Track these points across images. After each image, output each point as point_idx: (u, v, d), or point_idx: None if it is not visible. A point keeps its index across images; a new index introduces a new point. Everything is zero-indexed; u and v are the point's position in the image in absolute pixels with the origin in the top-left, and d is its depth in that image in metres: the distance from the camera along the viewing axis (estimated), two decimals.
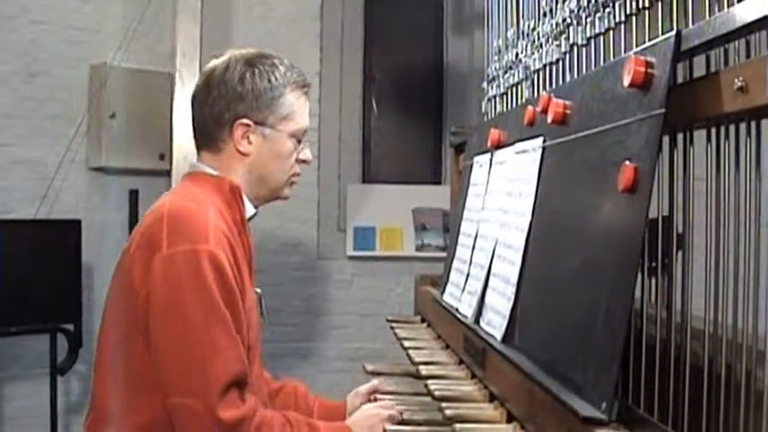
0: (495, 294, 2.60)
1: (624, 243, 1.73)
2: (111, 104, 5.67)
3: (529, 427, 2.07)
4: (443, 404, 2.41)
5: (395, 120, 6.98)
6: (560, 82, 2.62)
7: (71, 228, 5.34)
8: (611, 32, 2.20)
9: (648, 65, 1.75)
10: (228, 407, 2.22)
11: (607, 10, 2.20)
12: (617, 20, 2.14)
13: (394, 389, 2.90)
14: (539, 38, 2.83)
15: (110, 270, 2.49)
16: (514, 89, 3.16)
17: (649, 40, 1.90)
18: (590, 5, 2.32)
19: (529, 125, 2.58)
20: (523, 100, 3.03)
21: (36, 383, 5.39)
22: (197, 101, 2.58)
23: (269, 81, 2.52)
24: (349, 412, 2.83)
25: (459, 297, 3.05)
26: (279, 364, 6.14)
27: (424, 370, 2.85)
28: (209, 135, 2.56)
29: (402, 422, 2.56)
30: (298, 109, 2.59)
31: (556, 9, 2.65)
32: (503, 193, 2.76)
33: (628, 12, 2.07)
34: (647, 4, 1.98)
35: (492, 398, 2.44)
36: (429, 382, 2.67)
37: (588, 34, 2.35)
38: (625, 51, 2.05)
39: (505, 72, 3.26)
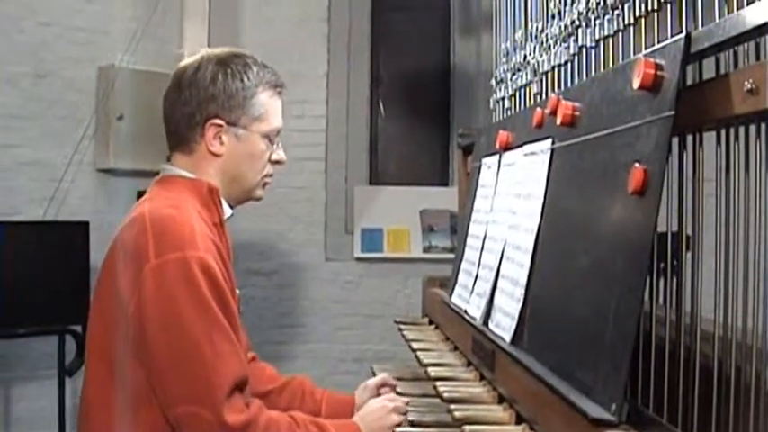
0: (504, 296, 2.60)
1: (634, 245, 1.73)
2: (118, 106, 5.68)
3: (538, 429, 2.07)
4: (452, 406, 2.42)
5: (402, 121, 6.99)
6: (569, 84, 2.62)
7: (78, 229, 5.34)
8: (620, 34, 2.20)
9: (658, 67, 1.74)
10: (234, 411, 2.22)
11: (616, 12, 2.20)
12: (626, 22, 2.14)
13: (403, 390, 2.89)
14: (547, 40, 2.83)
15: None
16: (523, 91, 3.16)
17: (659, 42, 1.90)
18: (598, 8, 2.32)
19: (537, 127, 2.58)
20: (532, 102, 3.03)
21: (44, 385, 5.39)
22: (168, 101, 2.55)
23: (241, 81, 2.50)
24: (358, 406, 2.83)
25: (467, 299, 3.05)
26: (287, 365, 6.16)
27: (432, 371, 2.85)
28: (180, 136, 2.53)
29: (412, 424, 2.56)
30: (270, 109, 2.56)
31: (564, 11, 2.65)
32: (511, 195, 2.76)
33: (637, 14, 2.07)
34: (655, 7, 1.97)
35: (501, 399, 2.45)
36: (438, 383, 2.67)
37: (597, 36, 2.35)
38: (634, 53, 2.05)
39: (513, 74, 3.26)
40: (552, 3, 2.78)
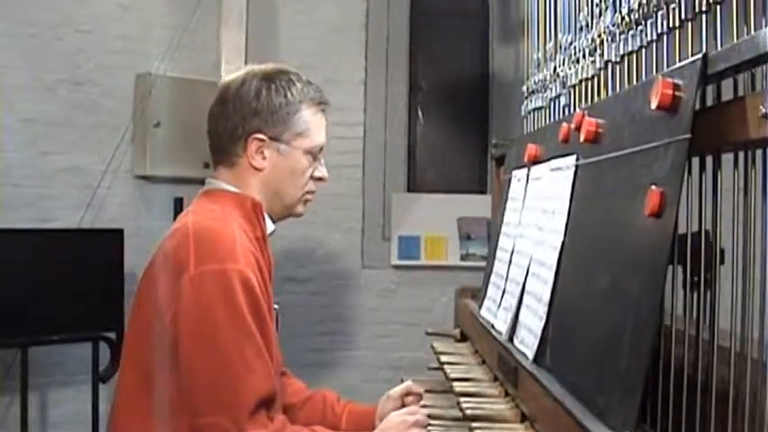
0: (529, 312, 2.57)
1: (649, 268, 1.70)
2: (156, 113, 5.71)
3: None
4: (473, 424, 2.39)
5: (440, 128, 6.96)
6: (596, 98, 2.59)
7: (114, 237, 5.36)
8: (643, 51, 2.16)
9: (676, 87, 1.71)
10: (257, 426, 2.23)
11: (639, 28, 2.16)
12: (650, 38, 2.10)
13: (432, 403, 2.87)
14: (575, 52, 2.80)
15: None
16: (553, 103, 3.13)
17: (680, 60, 1.87)
18: (623, 22, 2.29)
19: (564, 142, 2.55)
20: (561, 115, 3.00)
21: (79, 390, 5.43)
22: (212, 116, 2.59)
23: (284, 97, 2.52)
24: (380, 416, 2.82)
25: (495, 313, 3.03)
26: (324, 372, 6.17)
27: (457, 387, 2.83)
28: (223, 149, 2.56)
29: None
30: (313, 126, 2.58)
31: (592, 23, 2.62)
32: (538, 210, 2.73)
33: (659, 30, 2.03)
34: (677, 24, 1.94)
35: (524, 418, 2.42)
36: (462, 399, 2.65)
37: (621, 51, 2.31)
38: (657, 72, 2.02)
39: (544, 85, 3.23)
40: (582, 14, 2.75)
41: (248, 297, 2.27)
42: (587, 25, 2.66)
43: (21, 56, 5.46)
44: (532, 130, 3.38)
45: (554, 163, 2.61)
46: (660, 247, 1.67)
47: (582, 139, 2.26)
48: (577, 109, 2.62)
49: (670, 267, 1.75)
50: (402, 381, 3.21)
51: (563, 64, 2.97)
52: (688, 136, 1.62)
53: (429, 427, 2.59)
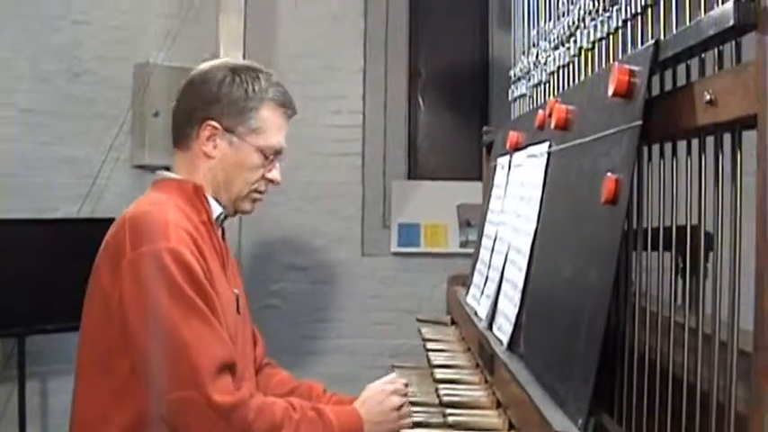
0: (506, 299, 2.58)
1: (603, 255, 1.71)
2: (154, 103, 5.69)
3: None
4: (448, 410, 2.41)
5: (440, 116, 6.93)
6: (570, 86, 2.59)
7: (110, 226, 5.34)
8: (610, 37, 2.15)
9: (632, 74, 1.71)
10: (222, 391, 2.25)
11: (607, 14, 2.16)
12: (616, 24, 2.09)
13: (417, 389, 2.88)
14: (554, 39, 2.79)
15: None
16: (535, 90, 3.13)
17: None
18: (594, 8, 2.28)
19: (539, 129, 2.56)
20: (543, 102, 2.99)
21: None
22: (179, 94, 2.62)
23: (245, 91, 2.54)
24: None
25: (478, 299, 3.04)
26: (323, 359, 6.18)
27: (438, 373, 2.84)
28: (180, 130, 2.60)
29: (418, 425, 2.55)
30: (271, 126, 2.58)
31: (568, 11, 2.62)
32: (517, 197, 2.74)
33: (623, 16, 2.02)
34: (639, 11, 1.93)
35: (498, 404, 2.43)
36: (440, 386, 2.66)
37: (592, 38, 2.31)
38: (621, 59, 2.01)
39: (527, 73, 3.23)
40: (561, 1, 2.74)
41: (183, 271, 2.29)
42: (566, 12, 2.66)
43: (19, 47, 5.48)
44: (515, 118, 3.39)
45: (530, 150, 2.62)
46: (613, 234, 1.67)
47: (552, 125, 2.27)
48: (552, 97, 2.62)
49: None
50: (392, 367, 3.22)
51: (544, 51, 2.96)
52: (639, 123, 1.62)
53: (411, 414, 2.60)
